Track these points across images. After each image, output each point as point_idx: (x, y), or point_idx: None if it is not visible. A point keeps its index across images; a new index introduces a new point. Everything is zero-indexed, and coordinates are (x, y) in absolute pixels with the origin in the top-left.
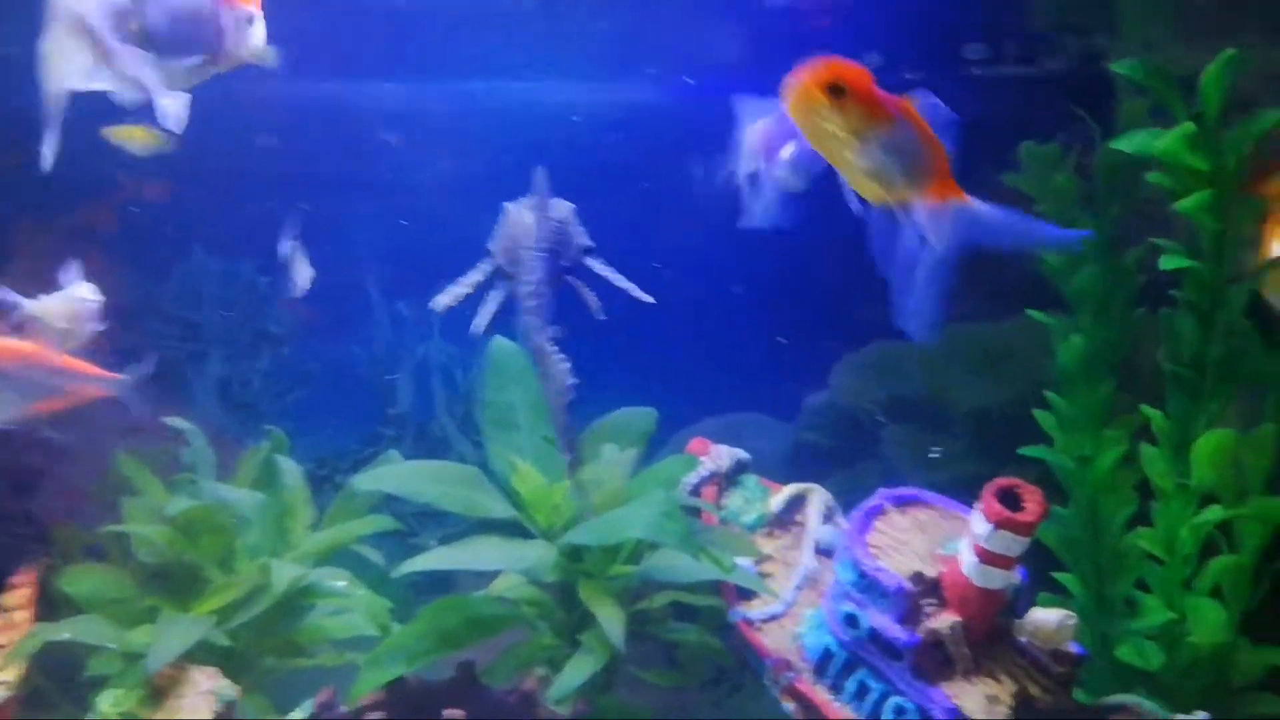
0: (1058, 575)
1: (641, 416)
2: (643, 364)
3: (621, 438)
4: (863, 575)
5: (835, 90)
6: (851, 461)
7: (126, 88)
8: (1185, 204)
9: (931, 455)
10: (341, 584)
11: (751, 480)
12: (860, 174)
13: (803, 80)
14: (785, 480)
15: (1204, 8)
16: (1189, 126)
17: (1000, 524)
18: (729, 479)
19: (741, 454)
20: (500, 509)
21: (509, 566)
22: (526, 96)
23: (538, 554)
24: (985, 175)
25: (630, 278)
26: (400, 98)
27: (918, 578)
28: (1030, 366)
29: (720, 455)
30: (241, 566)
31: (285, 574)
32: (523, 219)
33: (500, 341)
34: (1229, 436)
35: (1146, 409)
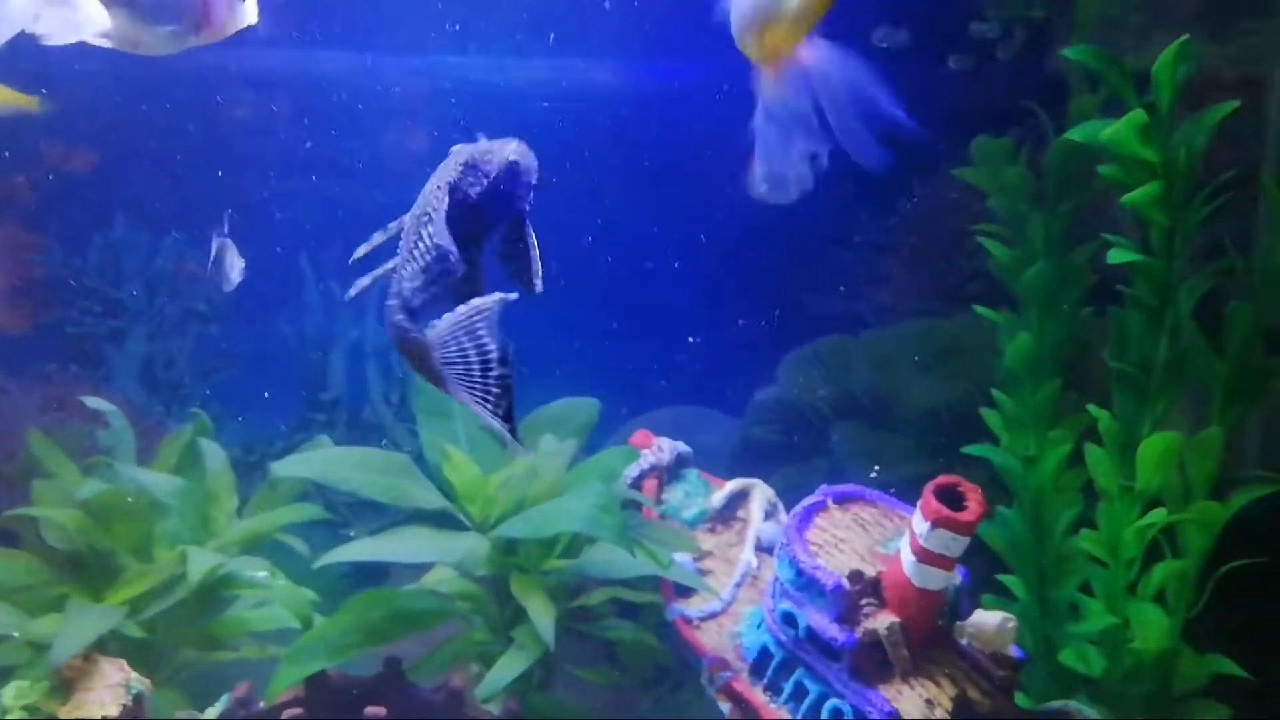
0: (1002, 577)
1: (584, 407)
2: (589, 353)
3: (562, 428)
4: (801, 573)
5: None
6: (799, 458)
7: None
8: (1134, 196)
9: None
10: (262, 574)
11: (693, 474)
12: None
13: None
14: (730, 475)
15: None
16: (1139, 115)
17: (939, 522)
18: (670, 473)
19: (683, 447)
20: (431, 499)
21: (438, 559)
22: (474, 74)
23: (469, 546)
24: (939, 168)
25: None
26: (350, 69)
27: (856, 576)
28: (979, 364)
29: (662, 448)
30: (159, 555)
31: (203, 562)
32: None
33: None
34: (1175, 439)
35: (1093, 409)
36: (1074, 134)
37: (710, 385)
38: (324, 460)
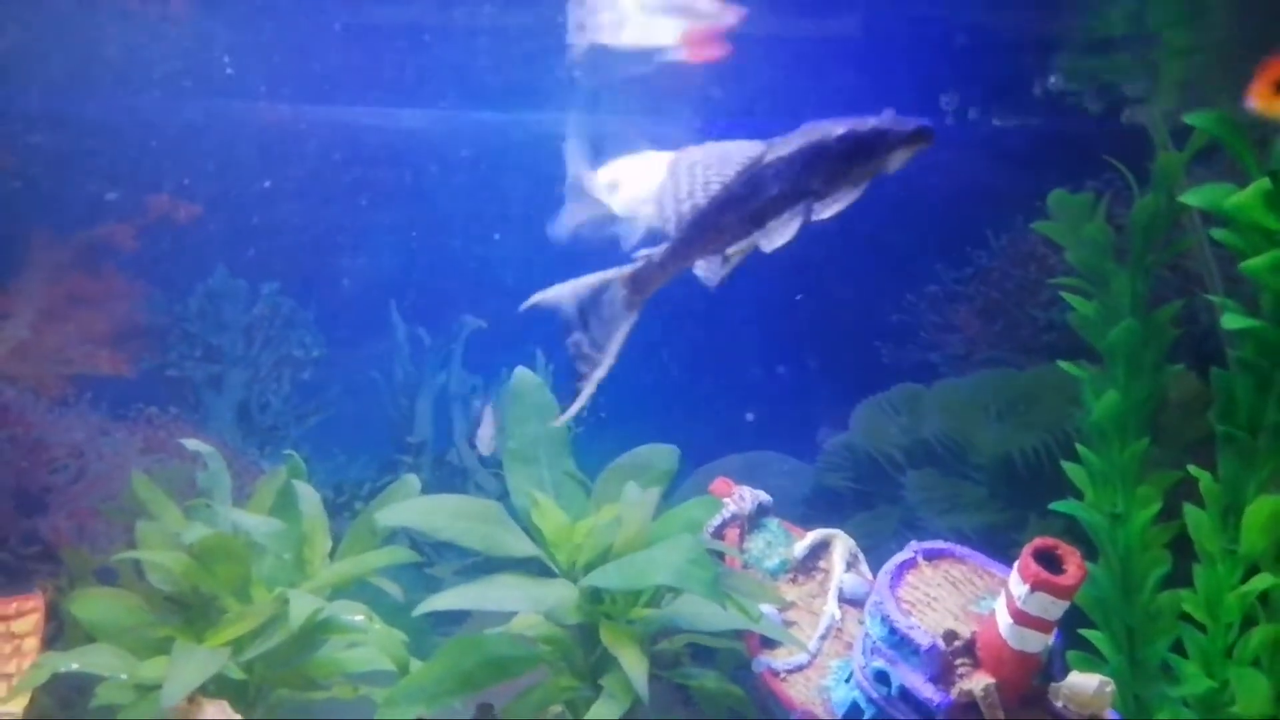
0: (1088, 634)
1: (663, 454)
2: (670, 396)
3: (643, 476)
4: (894, 631)
5: None
6: (872, 505)
7: None
8: (1254, 264)
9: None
10: (359, 618)
11: (774, 523)
12: None
13: None
14: (804, 522)
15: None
16: (1264, 184)
17: (1038, 586)
18: (752, 522)
19: (764, 496)
20: (520, 546)
21: (531, 608)
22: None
23: (559, 595)
24: (1016, 222)
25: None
26: (437, 126)
27: (951, 636)
28: (1053, 414)
29: (743, 497)
30: (257, 596)
31: (303, 607)
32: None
33: (522, 372)
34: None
35: (1194, 469)
36: (1190, 198)
37: (785, 431)
38: (421, 509)
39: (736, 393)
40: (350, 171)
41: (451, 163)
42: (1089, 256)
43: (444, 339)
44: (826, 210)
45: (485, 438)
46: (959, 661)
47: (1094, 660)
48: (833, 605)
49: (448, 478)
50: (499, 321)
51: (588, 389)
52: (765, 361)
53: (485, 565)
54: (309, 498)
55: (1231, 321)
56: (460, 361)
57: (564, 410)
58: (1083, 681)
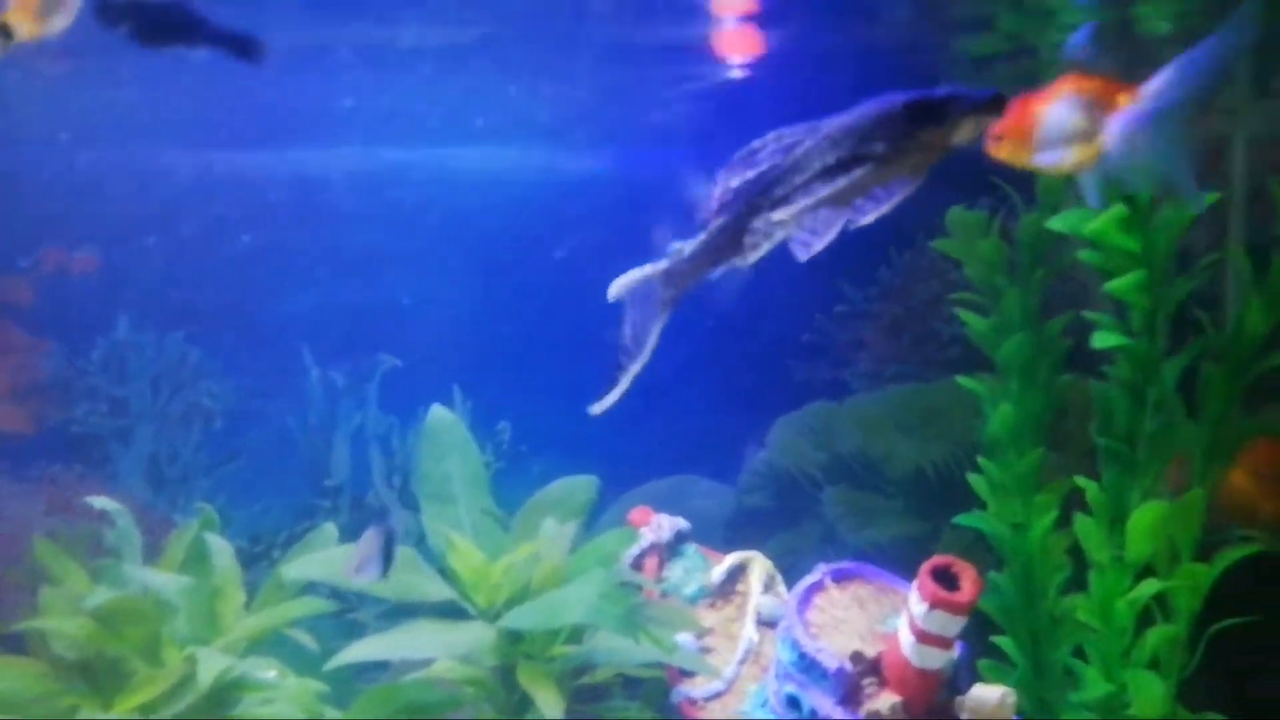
0: (997, 640)
1: (582, 487)
2: (587, 425)
3: (562, 509)
4: (803, 655)
5: None
6: (792, 522)
7: None
8: (1116, 284)
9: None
10: (271, 674)
11: (691, 549)
12: None
13: None
14: (727, 543)
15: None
16: (1120, 210)
17: (936, 604)
18: (670, 549)
19: (682, 523)
20: (436, 590)
21: (446, 654)
22: (464, 164)
23: (475, 637)
24: (915, 238)
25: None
26: (331, 166)
27: (858, 657)
28: (961, 427)
29: (661, 525)
30: (168, 656)
31: (213, 666)
32: None
33: (438, 410)
34: (1162, 509)
35: (1081, 480)
36: (1055, 224)
37: (704, 453)
38: (328, 561)
39: (657, 418)
40: (255, 215)
41: (364, 202)
42: (984, 272)
43: (358, 380)
44: (877, 208)
45: (363, 565)
46: (866, 682)
47: (1004, 667)
48: (750, 629)
49: (368, 520)
50: (415, 360)
51: (623, 382)
52: (684, 386)
53: (405, 610)
54: (221, 550)
55: (1102, 340)
56: (376, 401)
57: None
58: (986, 694)
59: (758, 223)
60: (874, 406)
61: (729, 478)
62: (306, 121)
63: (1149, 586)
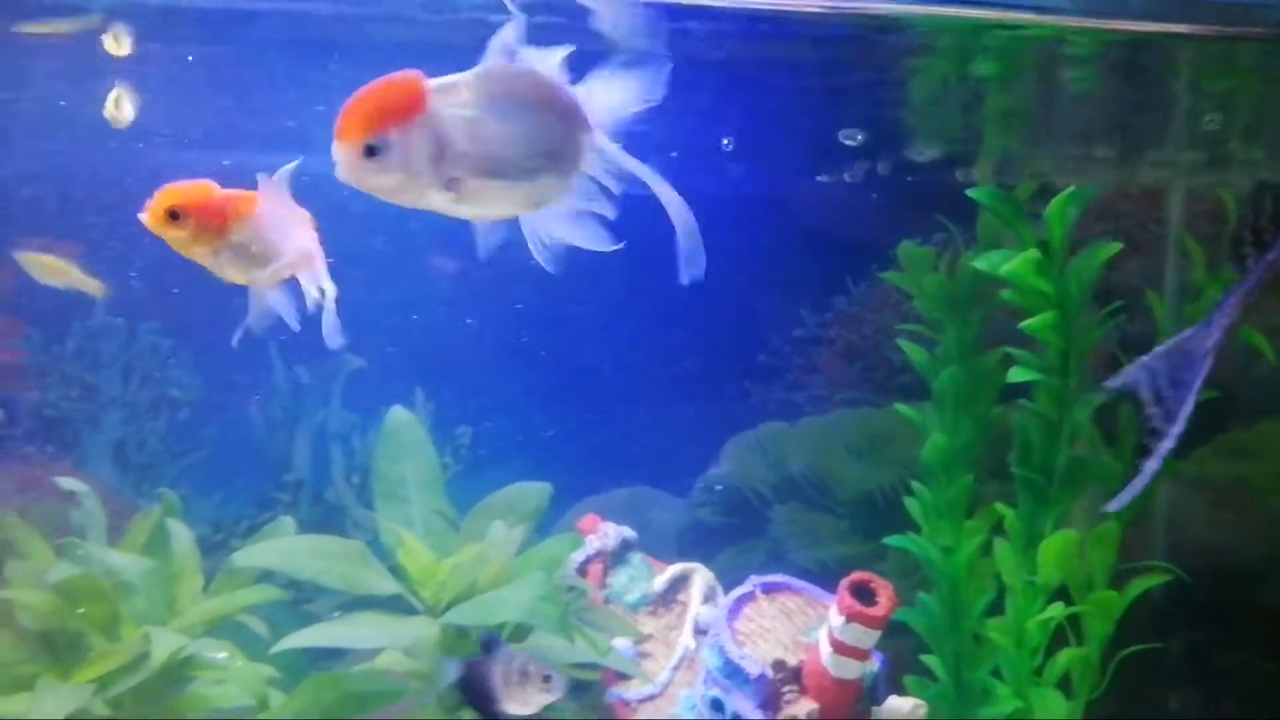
0: (924, 658)
1: (534, 493)
2: (547, 435)
3: (513, 514)
4: (728, 661)
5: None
6: (741, 539)
7: None
8: (1031, 324)
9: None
10: (223, 655)
11: (636, 559)
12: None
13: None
14: (679, 555)
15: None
16: (1033, 253)
17: (852, 617)
18: (615, 557)
19: (628, 532)
20: (384, 585)
21: (389, 645)
22: None
23: (419, 631)
24: (872, 271)
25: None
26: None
27: (779, 665)
28: (907, 452)
29: (607, 533)
30: (126, 634)
31: (166, 644)
32: None
33: (396, 410)
34: (1072, 538)
35: (1000, 507)
36: (978, 263)
37: (660, 467)
38: (281, 550)
39: (616, 429)
40: None
41: (333, 201)
42: (929, 305)
43: (322, 378)
44: None
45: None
46: (786, 689)
47: (929, 683)
48: (687, 636)
49: (325, 515)
50: (380, 360)
51: (1150, 466)
52: (643, 400)
53: (362, 602)
54: (181, 536)
55: (1019, 374)
56: (339, 400)
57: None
58: (899, 704)
59: None
60: (825, 429)
61: (684, 492)
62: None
63: (1055, 611)
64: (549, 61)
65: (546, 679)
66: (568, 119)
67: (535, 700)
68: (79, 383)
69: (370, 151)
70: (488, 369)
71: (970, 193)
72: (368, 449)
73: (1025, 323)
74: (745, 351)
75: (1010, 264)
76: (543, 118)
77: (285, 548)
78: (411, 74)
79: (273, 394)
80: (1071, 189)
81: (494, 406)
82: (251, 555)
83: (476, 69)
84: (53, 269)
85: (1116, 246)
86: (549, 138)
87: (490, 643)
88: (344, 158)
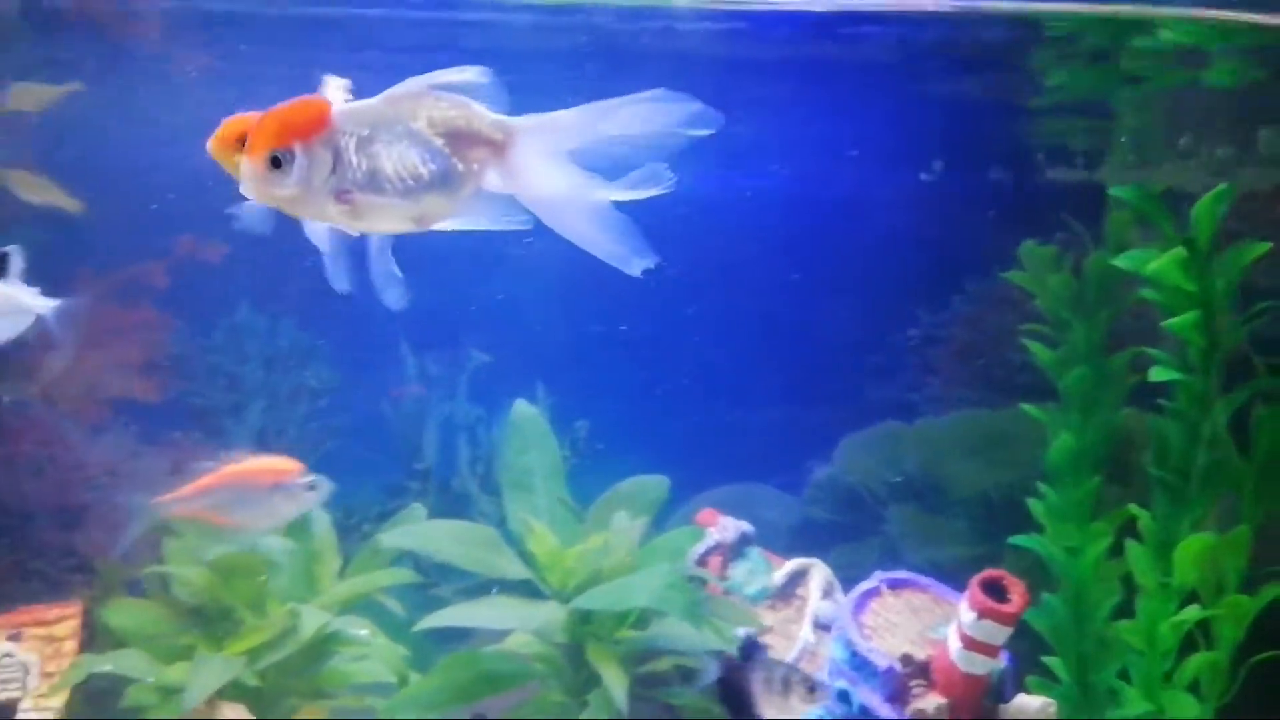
0: (1046, 659)
1: (653, 485)
2: (664, 430)
3: (633, 505)
4: (855, 654)
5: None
6: (855, 537)
7: None
8: (1175, 322)
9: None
10: (364, 632)
11: (755, 553)
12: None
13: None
14: (791, 552)
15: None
16: (1180, 252)
17: (984, 613)
18: (734, 550)
19: (746, 527)
20: (515, 570)
21: (521, 627)
22: None
23: (548, 615)
24: (989, 269)
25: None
26: None
27: (907, 659)
28: (1026, 453)
29: (726, 527)
30: (272, 609)
31: (312, 620)
32: None
33: (521, 404)
34: (1209, 541)
35: (1134, 509)
36: (1120, 262)
37: (773, 464)
38: (424, 533)
39: (732, 427)
40: None
41: None
42: (1053, 305)
43: (451, 371)
44: None
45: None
46: (914, 683)
47: (1050, 684)
48: (807, 631)
49: (451, 503)
50: (504, 356)
51: None
52: (758, 399)
53: (485, 586)
54: (320, 520)
55: (1160, 374)
56: (465, 393)
57: None
58: (1028, 702)
59: None
60: (941, 429)
61: (795, 489)
62: None
63: (1191, 613)
64: (463, 78)
65: (812, 689)
66: (469, 141)
67: (797, 709)
68: (225, 373)
69: (274, 163)
70: (605, 366)
71: (1114, 190)
72: (491, 440)
73: (1169, 321)
74: (862, 352)
75: (1155, 264)
76: (434, 140)
77: (424, 532)
78: (320, 97)
79: (404, 387)
80: (1222, 186)
81: (611, 402)
82: (395, 537)
83: (386, 92)
84: (36, 187)
85: (1265, 246)
86: (437, 158)
87: (750, 648)
88: (249, 168)
